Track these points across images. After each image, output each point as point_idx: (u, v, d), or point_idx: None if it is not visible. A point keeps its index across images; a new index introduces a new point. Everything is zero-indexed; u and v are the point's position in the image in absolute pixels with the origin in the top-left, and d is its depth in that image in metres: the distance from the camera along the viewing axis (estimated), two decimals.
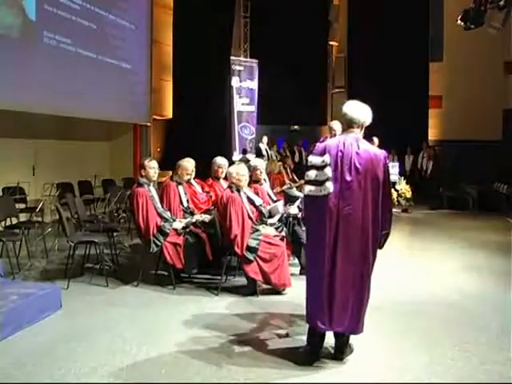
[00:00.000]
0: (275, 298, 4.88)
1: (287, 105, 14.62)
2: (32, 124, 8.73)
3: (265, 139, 12.91)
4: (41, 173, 8.85)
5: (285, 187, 8.13)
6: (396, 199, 10.93)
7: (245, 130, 14.50)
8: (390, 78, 14.26)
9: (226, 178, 5.96)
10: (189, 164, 6.01)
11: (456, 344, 3.82)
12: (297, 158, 14.40)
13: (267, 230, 5.26)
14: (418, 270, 6.13)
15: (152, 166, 5.43)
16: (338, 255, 3.39)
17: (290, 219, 5.77)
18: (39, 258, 6.33)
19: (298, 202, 6.02)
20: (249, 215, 5.17)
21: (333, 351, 3.57)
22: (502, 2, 9.84)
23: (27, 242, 6.31)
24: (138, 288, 5.23)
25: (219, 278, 5.15)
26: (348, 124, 3.57)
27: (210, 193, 6.28)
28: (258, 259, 4.89)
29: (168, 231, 5.22)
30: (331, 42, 17.16)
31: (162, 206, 5.53)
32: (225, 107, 14.04)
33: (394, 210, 11.08)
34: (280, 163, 9.33)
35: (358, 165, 3.37)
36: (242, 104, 14.46)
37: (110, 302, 4.82)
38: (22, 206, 7.60)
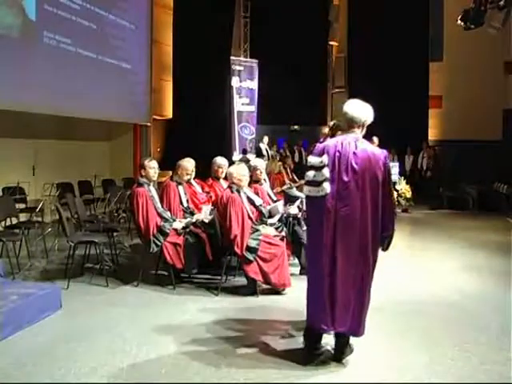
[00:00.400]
0: (275, 298, 4.88)
1: (287, 105, 14.63)
2: (32, 124, 8.72)
3: (266, 139, 12.90)
4: (41, 173, 8.85)
5: (285, 187, 8.14)
6: (396, 199, 10.92)
7: (245, 130, 14.50)
8: (390, 77, 14.26)
9: (226, 178, 5.96)
10: (189, 164, 6.02)
11: (456, 344, 3.82)
12: (297, 158, 14.41)
13: (267, 230, 5.27)
14: (418, 270, 6.13)
15: (152, 166, 5.44)
16: (337, 256, 3.38)
17: (290, 219, 5.76)
18: (39, 258, 6.33)
19: (298, 202, 6.02)
20: (249, 215, 5.17)
21: (333, 352, 3.57)
22: (501, 2, 9.84)
23: (27, 242, 6.31)
24: (137, 288, 5.23)
25: (219, 277, 5.15)
26: (348, 124, 3.54)
27: (210, 193, 6.28)
28: (257, 259, 4.89)
29: (168, 231, 5.22)
30: (331, 42, 17.17)
31: (162, 206, 5.53)
32: (225, 107, 14.05)
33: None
34: (280, 163, 9.33)
35: (354, 165, 3.36)
36: (242, 104, 14.46)
37: (110, 301, 4.82)
38: (22, 206, 7.60)
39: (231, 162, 6.83)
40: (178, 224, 5.39)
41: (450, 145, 13.96)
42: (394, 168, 11.57)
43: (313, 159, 3.50)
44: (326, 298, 3.41)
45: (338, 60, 17.46)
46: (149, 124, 11.67)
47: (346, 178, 3.36)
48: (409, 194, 11.03)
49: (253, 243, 4.94)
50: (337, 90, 17.09)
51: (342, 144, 3.44)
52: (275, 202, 6.11)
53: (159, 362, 3.49)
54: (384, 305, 4.69)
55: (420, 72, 14.54)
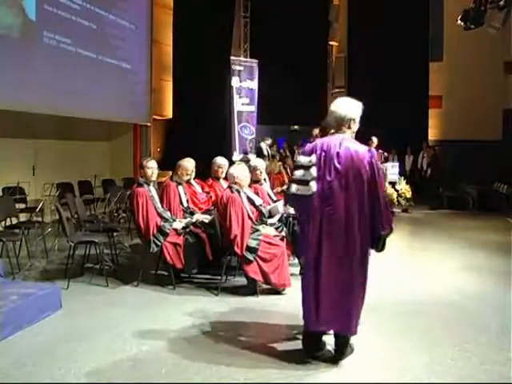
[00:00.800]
0: (275, 298, 4.88)
1: (287, 105, 14.61)
2: (32, 124, 8.72)
3: (269, 141, 12.85)
4: (41, 173, 8.85)
5: (285, 187, 8.13)
6: (396, 199, 10.93)
7: (245, 130, 14.49)
8: (390, 77, 14.26)
9: (226, 178, 5.97)
10: (189, 164, 6.02)
11: (456, 344, 3.82)
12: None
13: (267, 230, 5.27)
14: (418, 270, 6.13)
15: (150, 166, 5.42)
16: (322, 255, 3.41)
17: (290, 219, 5.76)
18: (39, 258, 6.32)
19: None
20: (249, 215, 5.17)
21: (333, 352, 3.57)
22: (501, 2, 9.83)
23: (27, 242, 6.31)
24: (138, 288, 5.23)
25: (219, 277, 5.15)
26: (337, 122, 3.54)
27: (210, 193, 6.28)
28: (257, 259, 4.89)
29: (168, 231, 5.22)
30: (331, 42, 17.16)
31: (162, 206, 5.53)
32: (225, 107, 14.03)
33: (394, 210, 11.10)
34: (280, 163, 9.34)
35: (337, 165, 3.38)
36: (242, 104, 14.44)
37: (110, 301, 4.82)
38: (22, 206, 7.60)
39: (231, 162, 6.83)
40: (178, 224, 5.39)
41: (450, 145, 13.95)
42: (394, 168, 11.59)
43: (302, 158, 3.55)
44: (311, 298, 3.47)
45: (338, 60, 17.46)
46: (149, 124, 11.67)
47: (329, 178, 3.39)
48: (409, 194, 11.03)
49: (253, 243, 4.94)
50: (337, 90, 17.07)
51: (327, 144, 3.46)
52: (275, 201, 6.11)
53: (159, 362, 3.49)
54: (384, 305, 4.70)
55: (420, 72, 14.54)
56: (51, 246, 6.72)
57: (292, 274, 5.23)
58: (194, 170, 6.15)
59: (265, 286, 5.02)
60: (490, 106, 13.39)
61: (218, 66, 13.46)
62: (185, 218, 5.66)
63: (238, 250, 4.89)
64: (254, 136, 14.59)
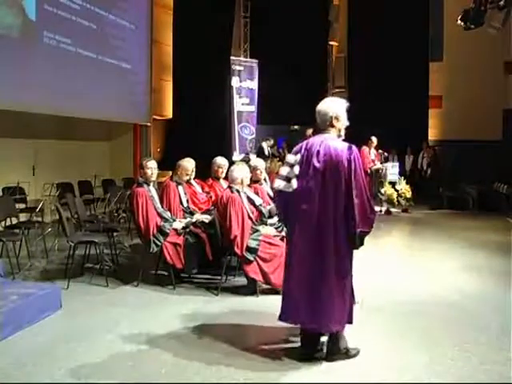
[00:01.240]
0: (275, 298, 4.85)
1: (287, 105, 14.60)
2: (32, 124, 8.73)
3: (271, 141, 12.83)
4: (41, 173, 8.85)
5: None
6: (396, 199, 10.93)
7: (245, 130, 14.49)
8: (390, 77, 14.25)
9: (226, 178, 5.96)
10: (189, 164, 6.02)
11: (456, 344, 3.82)
12: None
13: (267, 230, 5.27)
14: (418, 270, 6.13)
15: (149, 166, 5.41)
16: (296, 252, 3.49)
17: None
18: (39, 258, 6.33)
19: None
20: (249, 215, 5.16)
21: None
22: (501, 2, 9.83)
23: (27, 242, 6.31)
24: (138, 288, 5.23)
25: (219, 277, 5.15)
26: (321, 121, 3.59)
27: (210, 193, 6.28)
28: (257, 259, 4.89)
29: (168, 231, 5.22)
30: (331, 42, 17.15)
31: (162, 206, 5.53)
32: (225, 107, 14.03)
33: (394, 210, 11.12)
34: (280, 163, 9.33)
35: (316, 163, 3.42)
36: (242, 104, 14.44)
37: (110, 301, 4.83)
38: (22, 206, 7.60)
39: (231, 162, 6.83)
40: (178, 224, 5.39)
41: (450, 145, 13.95)
42: (394, 168, 11.59)
43: (289, 157, 3.64)
44: (284, 291, 3.62)
45: (338, 60, 17.45)
46: (149, 124, 11.67)
47: (307, 176, 3.45)
48: (409, 194, 11.03)
49: (253, 243, 4.94)
50: (337, 90, 17.07)
51: (311, 143, 3.52)
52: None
53: (159, 362, 3.49)
54: (384, 305, 4.70)
55: (420, 72, 14.54)
56: (51, 246, 6.72)
57: None
58: (194, 170, 6.15)
59: (265, 286, 5.02)
60: (490, 106, 13.38)
61: (218, 65, 13.46)
62: (185, 217, 5.66)
63: (237, 250, 4.89)
64: (253, 136, 14.59)
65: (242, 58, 14.92)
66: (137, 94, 11.07)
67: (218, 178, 6.36)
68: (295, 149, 3.65)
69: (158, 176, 5.64)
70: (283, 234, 5.35)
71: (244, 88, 14.44)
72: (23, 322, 4.05)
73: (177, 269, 5.25)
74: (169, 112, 12.61)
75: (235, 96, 14.20)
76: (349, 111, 3.64)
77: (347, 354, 3.53)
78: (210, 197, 6.21)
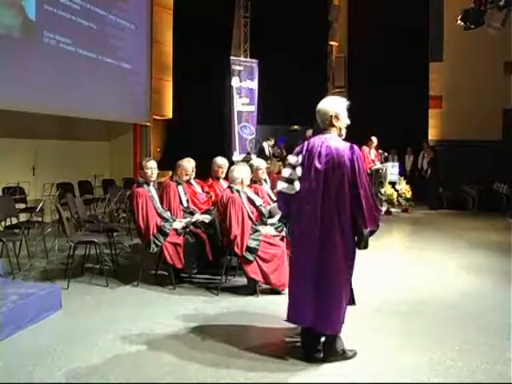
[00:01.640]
0: (275, 298, 4.88)
1: (287, 105, 14.61)
2: (32, 124, 8.73)
3: (271, 141, 12.84)
4: (41, 173, 8.86)
5: None
6: (396, 199, 10.93)
7: (245, 130, 14.49)
8: (390, 77, 14.26)
9: (226, 178, 5.96)
10: (188, 164, 6.02)
11: (456, 344, 3.82)
12: None
13: (267, 230, 5.27)
14: (418, 270, 6.13)
15: (149, 167, 5.40)
16: (300, 253, 3.49)
17: None
18: (39, 258, 6.33)
19: None
20: (249, 215, 5.16)
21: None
22: (501, 2, 9.82)
23: (27, 242, 6.31)
24: (138, 288, 5.23)
25: (219, 277, 5.15)
26: (321, 121, 3.57)
27: (209, 193, 6.28)
28: (257, 259, 4.89)
29: (168, 231, 5.22)
30: (331, 42, 17.14)
31: (162, 206, 5.53)
32: (225, 107, 14.03)
33: (394, 210, 11.10)
34: (280, 163, 9.33)
35: (317, 164, 3.40)
36: (242, 104, 14.45)
37: (110, 302, 4.83)
38: (22, 206, 7.61)
39: (231, 162, 6.83)
40: (178, 224, 5.38)
41: (450, 145, 13.94)
42: (394, 168, 11.59)
43: (291, 158, 3.61)
44: (289, 292, 3.60)
45: (338, 60, 17.45)
46: (149, 124, 11.67)
47: (310, 178, 3.43)
48: (409, 194, 11.03)
49: (253, 243, 4.94)
50: (337, 90, 17.07)
51: (312, 144, 3.50)
52: (275, 202, 6.11)
53: (159, 362, 3.49)
54: (384, 305, 4.70)
55: (420, 72, 14.53)
56: (51, 246, 6.71)
57: None
58: (194, 170, 6.15)
59: (265, 286, 5.02)
60: (490, 106, 13.37)
61: (218, 65, 13.46)
62: (185, 218, 5.66)
63: (237, 251, 4.89)
64: (254, 136, 14.59)
65: (241, 58, 14.92)
66: (137, 93, 11.07)
67: (218, 178, 6.36)
68: (296, 150, 3.62)
69: (158, 176, 5.63)
70: (283, 234, 5.36)
71: (244, 88, 14.44)
72: (23, 322, 4.05)
73: (177, 269, 5.25)
74: (169, 112, 12.61)
75: (235, 96, 14.20)
76: (349, 110, 3.61)
77: (344, 355, 3.52)
78: (210, 197, 6.21)
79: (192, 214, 5.82)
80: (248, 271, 4.90)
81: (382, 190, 10.90)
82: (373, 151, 11.29)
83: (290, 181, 3.53)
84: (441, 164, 12.86)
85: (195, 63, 12.07)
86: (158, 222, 5.24)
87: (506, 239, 7.93)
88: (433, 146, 14.12)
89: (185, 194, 5.95)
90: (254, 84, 14.65)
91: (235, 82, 14.19)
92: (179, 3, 12.27)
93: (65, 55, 8.71)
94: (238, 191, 5.16)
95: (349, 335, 3.57)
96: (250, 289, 5.01)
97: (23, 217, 7.37)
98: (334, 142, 3.46)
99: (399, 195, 10.97)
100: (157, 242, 5.18)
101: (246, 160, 9.73)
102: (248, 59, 15.03)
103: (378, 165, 11.22)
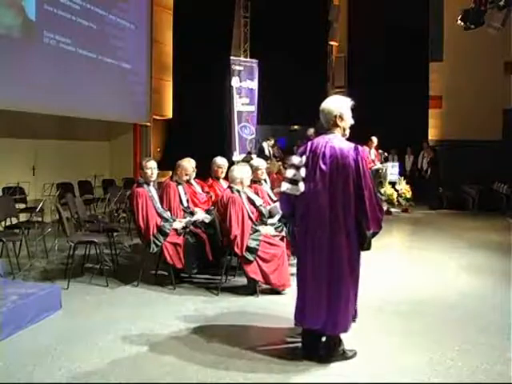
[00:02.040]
0: (275, 298, 4.88)
1: (287, 105, 14.61)
2: (32, 124, 8.73)
3: (271, 141, 12.83)
4: (41, 173, 8.86)
5: None
6: (396, 199, 10.93)
7: (245, 130, 14.49)
8: (390, 77, 14.26)
9: (226, 178, 5.96)
10: (189, 164, 6.01)
11: (456, 344, 3.82)
12: None
13: (267, 230, 5.27)
14: (418, 270, 6.13)
15: (149, 167, 5.39)
16: (307, 254, 3.45)
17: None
18: (39, 258, 6.33)
19: None
20: (249, 215, 5.16)
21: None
22: (501, 2, 9.82)
23: (27, 242, 6.31)
24: (138, 288, 5.23)
25: (219, 277, 5.15)
26: (326, 121, 3.55)
27: (209, 193, 6.28)
28: (257, 259, 4.89)
29: (168, 231, 5.22)
30: (331, 42, 17.14)
31: (162, 206, 5.53)
32: (225, 107, 14.04)
33: (394, 210, 11.10)
34: (280, 163, 9.33)
35: (322, 165, 3.39)
36: (242, 104, 14.45)
37: (110, 302, 4.83)
38: (22, 206, 7.61)
39: (231, 162, 6.83)
40: (178, 224, 5.38)
41: (450, 145, 13.95)
42: (394, 168, 11.59)
43: (294, 158, 3.58)
44: (298, 294, 3.55)
45: (338, 60, 17.45)
46: (149, 124, 11.67)
47: (314, 179, 3.41)
48: (409, 194, 11.03)
49: (253, 243, 4.94)
50: (337, 90, 17.06)
51: (316, 145, 3.48)
52: (275, 202, 6.11)
53: (159, 362, 3.49)
54: (384, 305, 4.70)
55: (420, 72, 14.54)
56: (51, 246, 6.71)
57: (292, 274, 5.20)
58: (195, 170, 6.15)
59: (265, 286, 5.02)
60: (490, 106, 13.37)
61: (218, 65, 13.46)
62: (185, 218, 5.66)
63: (237, 251, 4.89)
64: (254, 136, 14.59)
65: (241, 58, 14.93)
66: (137, 93, 11.07)
67: (217, 178, 6.36)
68: (300, 150, 3.60)
69: (158, 176, 5.63)
70: (283, 234, 5.36)
71: (244, 88, 14.44)
72: (23, 322, 4.05)
73: (177, 269, 5.25)
74: (169, 112, 12.61)
75: (235, 96, 14.20)
76: (353, 110, 3.59)
77: (344, 355, 3.52)
78: (210, 197, 6.21)
79: (192, 214, 5.81)
80: (248, 271, 4.90)
81: (382, 190, 10.90)
82: (373, 151, 11.29)
83: (294, 181, 3.50)
84: (441, 164, 12.86)
85: (195, 63, 12.07)
86: (158, 222, 5.24)
87: (506, 239, 7.93)
88: (433, 146, 14.12)
89: (185, 193, 5.95)
90: (254, 84, 14.65)
91: (235, 82, 14.19)
92: (179, 3, 12.27)
93: (65, 55, 8.71)
94: (238, 191, 5.16)
95: (349, 335, 3.57)
96: (250, 289, 5.01)
97: (23, 217, 7.37)
98: (337, 142, 3.44)
99: (399, 195, 10.97)
100: (157, 241, 5.17)
101: (247, 160, 9.73)
102: (248, 59, 15.03)
103: (378, 165, 11.22)
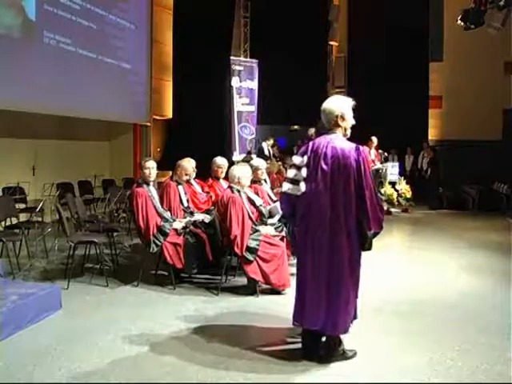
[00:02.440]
0: (275, 298, 4.88)
1: (287, 105, 14.62)
2: (32, 124, 8.73)
3: (270, 140, 12.84)
4: (41, 173, 8.85)
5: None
6: (396, 199, 10.93)
7: (245, 130, 14.49)
8: (390, 77, 14.27)
9: (226, 178, 5.96)
10: (188, 164, 6.01)
11: (456, 344, 3.82)
12: None
13: (267, 230, 5.27)
14: (418, 270, 6.13)
15: (148, 167, 5.39)
16: (307, 254, 3.44)
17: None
18: (39, 258, 6.32)
19: None
20: (249, 215, 5.16)
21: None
22: (501, 2, 9.82)
23: (27, 242, 6.30)
24: (138, 288, 5.23)
25: (219, 277, 5.15)
26: (327, 121, 3.54)
27: (209, 193, 6.28)
28: (257, 259, 4.89)
29: (168, 231, 5.22)
30: (331, 42, 17.15)
31: (162, 206, 5.53)
32: (225, 107, 14.04)
33: (394, 210, 11.10)
34: (280, 163, 9.33)
35: (323, 165, 3.39)
36: (242, 104, 14.45)
37: (110, 302, 4.83)
38: (22, 206, 7.61)
39: (231, 162, 6.83)
40: (178, 224, 5.38)
41: (450, 145, 13.95)
42: (394, 168, 11.59)
43: (296, 158, 3.58)
44: (297, 294, 3.54)
45: (338, 60, 17.45)
46: (149, 124, 11.67)
47: (316, 179, 3.40)
48: (409, 194, 11.03)
49: (253, 243, 4.94)
50: (337, 90, 17.06)
51: (317, 145, 3.48)
52: (275, 202, 6.11)
53: (159, 362, 3.49)
54: (384, 305, 4.70)
55: (420, 72, 14.54)
56: (51, 246, 6.71)
57: (292, 274, 5.20)
58: (195, 170, 6.15)
59: (265, 286, 5.02)
60: (490, 106, 13.37)
61: (218, 65, 13.47)
62: (185, 217, 5.66)
63: (237, 251, 4.89)
64: (254, 136, 14.60)
65: (241, 58, 14.93)
66: (137, 93, 11.07)
67: (217, 178, 6.36)
68: (301, 150, 3.60)
69: (157, 176, 5.63)
70: (283, 234, 5.36)
71: (244, 88, 14.45)
72: (23, 322, 4.05)
73: (177, 269, 5.25)
74: (169, 112, 12.61)
75: (235, 96, 14.21)
76: (353, 110, 3.59)
77: (344, 356, 3.52)
78: (210, 197, 6.21)
79: (192, 214, 5.81)
80: (248, 271, 4.90)
81: (382, 190, 10.90)
82: (373, 151, 11.29)
83: (295, 182, 3.49)
84: (441, 164, 12.86)
85: (195, 63, 12.07)
86: (157, 222, 5.24)
87: (506, 239, 7.93)
88: (433, 146, 14.13)
89: (185, 193, 5.95)
90: (254, 84, 14.66)
91: (235, 82, 14.20)
92: (179, 3, 12.27)
93: (65, 55, 8.71)
94: (238, 191, 5.16)
95: (349, 335, 3.57)
96: (250, 289, 5.01)
97: (23, 217, 7.37)
98: (339, 142, 3.44)
99: (399, 195, 10.97)
100: (157, 241, 5.17)
101: (247, 160, 9.73)
102: (248, 59, 15.04)
103: (378, 165, 11.22)
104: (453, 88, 14.00)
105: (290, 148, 14.74)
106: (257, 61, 14.75)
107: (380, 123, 12.69)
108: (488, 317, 4.46)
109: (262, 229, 5.26)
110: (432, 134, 14.85)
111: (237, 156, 13.72)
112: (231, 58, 14.23)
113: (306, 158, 3.49)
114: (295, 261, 5.77)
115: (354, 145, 3.44)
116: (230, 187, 5.21)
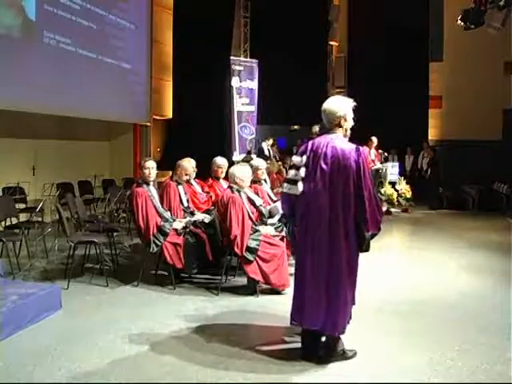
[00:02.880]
0: (275, 298, 4.88)
1: (287, 105, 14.62)
2: (32, 124, 8.73)
3: (270, 141, 12.84)
4: (41, 173, 8.85)
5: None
6: (396, 199, 10.93)
7: (245, 130, 14.49)
8: (390, 78, 14.27)
9: (226, 178, 5.96)
10: (188, 164, 6.01)
11: (456, 344, 3.82)
12: None
13: (267, 230, 5.27)
14: (418, 270, 6.13)
15: (147, 166, 5.38)
16: (307, 254, 3.44)
17: None
18: (39, 258, 6.33)
19: None
20: (249, 215, 5.16)
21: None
22: (501, 2, 9.82)
23: (27, 242, 6.31)
24: (138, 288, 5.23)
25: (219, 277, 5.15)
26: (328, 121, 3.54)
27: (209, 193, 6.28)
28: (257, 259, 4.89)
29: (168, 231, 5.22)
30: (331, 42, 17.15)
31: (162, 206, 5.53)
32: (225, 107, 14.05)
33: (394, 210, 11.10)
34: (280, 163, 9.34)
35: (323, 165, 3.39)
36: (242, 104, 14.45)
37: (110, 302, 4.83)
38: (22, 206, 7.61)
39: (231, 162, 6.83)
40: (178, 224, 5.38)
41: (450, 145, 13.96)
42: (394, 168, 11.59)
43: (295, 158, 3.58)
44: (296, 294, 3.54)
45: (338, 60, 17.45)
46: (149, 124, 11.67)
47: (315, 178, 3.40)
48: (409, 194, 11.03)
49: (253, 243, 4.94)
50: (337, 90, 17.07)
51: (317, 144, 3.47)
52: (275, 202, 6.11)
53: (159, 362, 3.49)
54: (384, 305, 4.70)
55: (420, 72, 14.55)
56: (51, 246, 6.71)
57: (292, 274, 5.22)
58: (195, 170, 6.15)
59: (265, 286, 5.02)
60: (490, 106, 13.38)
61: (218, 65, 13.47)
62: (185, 217, 5.66)
63: (237, 251, 4.89)
64: (254, 136, 14.60)
65: (241, 58, 14.93)
66: (137, 93, 11.07)
67: (217, 178, 6.36)
68: (300, 149, 3.59)
69: (157, 176, 5.62)
70: (283, 234, 5.36)
71: (244, 88, 14.45)
72: (23, 322, 4.05)
73: (177, 269, 5.25)
74: (169, 112, 12.61)
75: (235, 96, 14.21)
76: (353, 110, 3.58)
77: (344, 355, 3.52)
78: (210, 197, 6.21)
79: (192, 214, 5.81)
80: (248, 271, 4.90)
81: (382, 190, 10.90)
82: (373, 151, 11.28)
83: (293, 182, 3.50)
84: (441, 164, 12.86)
85: (195, 63, 12.07)
86: (157, 222, 5.24)
87: (506, 239, 7.93)
88: (433, 146, 14.13)
89: (185, 193, 5.95)
90: (254, 84, 14.66)
91: (235, 82, 14.20)
92: (179, 3, 12.27)
93: (65, 55, 8.71)
94: (238, 191, 5.16)
95: (349, 335, 3.57)
96: (250, 289, 5.01)
97: (23, 217, 7.37)
98: (339, 142, 3.43)
99: (399, 195, 10.97)
100: (157, 241, 5.17)
101: (247, 160, 9.73)
102: (248, 59, 15.04)
103: (378, 165, 11.21)
104: (453, 88, 14.00)
105: (290, 148, 14.75)
106: (257, 61, 14.75)
107: (380, 123, 12.69)
108: (488, 317, 4.46)
109: (262, 229, 5.26)
110: (432, 134, 14.85)
111: (237, 156, 13.71)
112: (231, 58, 14.23)
113: (304, 157, 3.49)
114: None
115: (354, 146, 3.44)
116: (230, 187, 5.21)
